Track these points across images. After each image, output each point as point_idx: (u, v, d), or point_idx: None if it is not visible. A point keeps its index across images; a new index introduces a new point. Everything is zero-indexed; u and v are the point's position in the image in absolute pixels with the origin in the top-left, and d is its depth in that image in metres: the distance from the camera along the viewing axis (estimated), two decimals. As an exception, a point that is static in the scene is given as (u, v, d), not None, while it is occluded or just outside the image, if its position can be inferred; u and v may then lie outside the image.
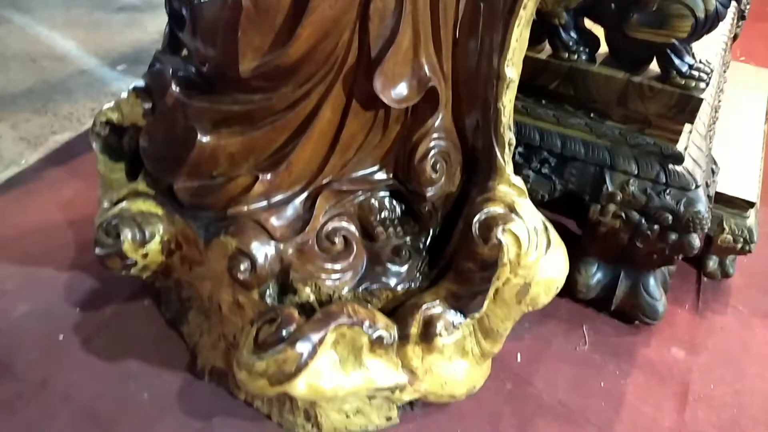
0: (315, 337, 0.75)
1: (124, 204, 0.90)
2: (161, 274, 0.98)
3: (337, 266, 0.85)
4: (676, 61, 0.91)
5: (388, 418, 0.94)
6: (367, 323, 0.80)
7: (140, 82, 0.95)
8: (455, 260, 0.87)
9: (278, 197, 0.86)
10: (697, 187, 0.96)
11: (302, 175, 0.86)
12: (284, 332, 0.75)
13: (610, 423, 0.98)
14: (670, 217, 0.97)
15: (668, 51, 0.90)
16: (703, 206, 0.96)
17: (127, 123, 0.95)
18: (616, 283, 1.11)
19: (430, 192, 0.88)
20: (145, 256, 0.90)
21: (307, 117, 0.82)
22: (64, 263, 1.16)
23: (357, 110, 0.82)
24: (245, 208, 0.84)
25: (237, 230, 0.82)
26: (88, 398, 0.95)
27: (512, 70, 0.81)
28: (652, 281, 1.10)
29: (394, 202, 0.92)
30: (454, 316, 0.84)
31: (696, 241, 0.99)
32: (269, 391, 0.75)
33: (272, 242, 0.83)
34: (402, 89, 0.80)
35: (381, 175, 0.90)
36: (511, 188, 0.87)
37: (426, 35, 0.79)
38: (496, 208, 0.84)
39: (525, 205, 0.86)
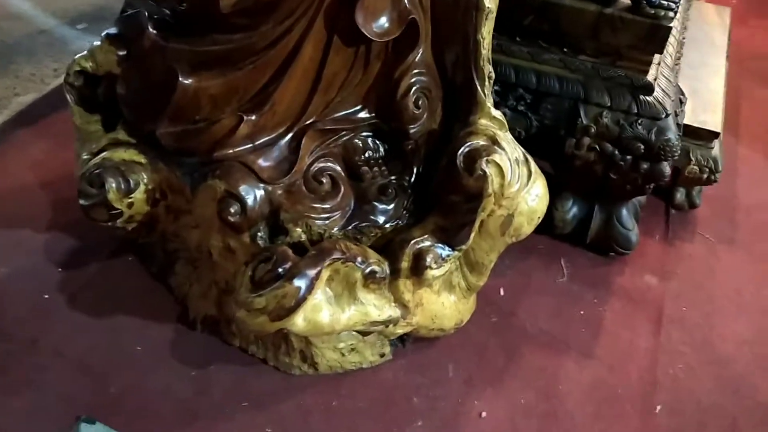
0: (311, 272, 0.76)
1: (105, 154, 0.88)
2: (146, 225, 0.98)
3: (326, 206, 0.86)
4: (648, -7, 0.93)
5: (382, 355, 0.96)
6: (359, 259, 0.82)
7: (113, 29, 0.93)
8: (440, 195, 0.89)
9: (263, 139, 0.86)
10: (667, 116, 1.00)
11: (286, 116, 0.86)
12: (280, 269, 0.76)
13: (589, 347, 1.03)
14: (642, 147, 1.01)
15: (639, -19, 0.93)
16: (673, 134, 1.00)
17: (101, 71, 0.93)
18: (590, 216, 1.15)
19: (413, 129, 0.89)
20: (131, 205, 0.89)
21: (288, 54, 0.82)
22: (41, 224, 1.14)
23: (338, 46, 0.82)
24: (231, 151, 0.84)
25: (224, 173, 0.82)
26: (79, 352, 0.95)
27: (490, 0, 0.82)
28: (624, 213, 1.14)
29: (377, 141, 0.93)
30: (442, 249, 0.87)
31: (667, 168, 1.03)
32: (269, 327, 0.76)
33: (260, 184, 0.83)
34: (383, 22, 0.80)
35: (364, 114, 0.90)
36: (491, 122, 0.88)
37: (404, -35, 0.79)
38: (479, 141, 0.86)
39: (506, 138, 0.88)
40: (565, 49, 1.03)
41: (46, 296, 1.02)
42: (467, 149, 0.85)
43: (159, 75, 0.84)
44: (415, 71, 0.87)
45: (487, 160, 0.83)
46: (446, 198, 0.87)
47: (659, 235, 1.24)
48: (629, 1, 0.96)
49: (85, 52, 0.94)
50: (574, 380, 0.97)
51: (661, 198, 1.30)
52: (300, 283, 0.75)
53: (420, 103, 0.88)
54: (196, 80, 0.82)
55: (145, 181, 0.89)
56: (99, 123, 0.97)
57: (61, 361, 0.93)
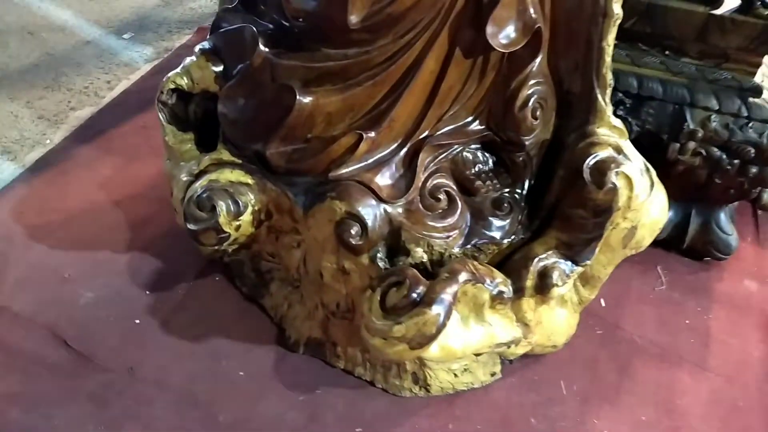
0: (448, 296, 0.73)
1: (211, 175, 0.85)
2: (241, 246, 0.94)
3: (445, 224, 0.82)
4: (764, -8, 0.89)
5: (493, 374, 0.93)
6: (488, 279, 0.78)
7: (206, 44, 0.90)
8: (560, 208, 0.86)
9: (378, 156, 0.83)
10: (780, 118, 0.96)
11: (401, 131, 0.83)
12: (414, 294, 0.73)
13: (703, 358, 1.00)
14: (753, 151, 0.97)
15: (755, -20, 0.89)
16: (785, 137, 0.96)
17: (197, 89, 0.90)
18: (687, 221, 1.11)
19: (528, 141, 0.86)
20: (238, 228, 0.85)
21: (408, 69, 0.78)
22: (119, 245, 1.10)
23: (459, 59, 0.79)
24: (347, 170, 0.81)
25: (343, 193, 0.79)
26: (182, 381, 0.91)
27: (618, 6, 0.78)
28: (723, 217, 1.11)
29: (486, 153, 0.89)
30: (566, 266, 0.83)
31: (777, 172, 0.99)
32: (407, 355, 0.73)
33: (380, 204, 0.80)
34: (510, 32, 0.76)
35: (476, 126, 0.87)
36: (611, 130, 0.85)
37: (531, -27, 0.75)
38: (605, 152, 0.82)
39: (629, 147, 0.85)
40: (666, 52, 1.00)
41: (138, 321, 0.99)
42: (594, 161, 0.81)
43: (269, 93, 0.81)
44: (533, 81, 0.83)
45: (616, 172, 0.80)
46: (569, 212, 0.84)
47: (751, 238, 1.20)
48: (738, 2, 0.93)
49: (179, 69, 0.90)
50: (692, 394, 0.94)
51: (747, 199, 1.26)
52: (438, 309, 0.72)
53: (538, 113, 0.84)
54: (314, 99, 0.78)
55: (253, 202, 0.85)
56: (192, 142, 0.94)
57: (163, 391, 0.90)
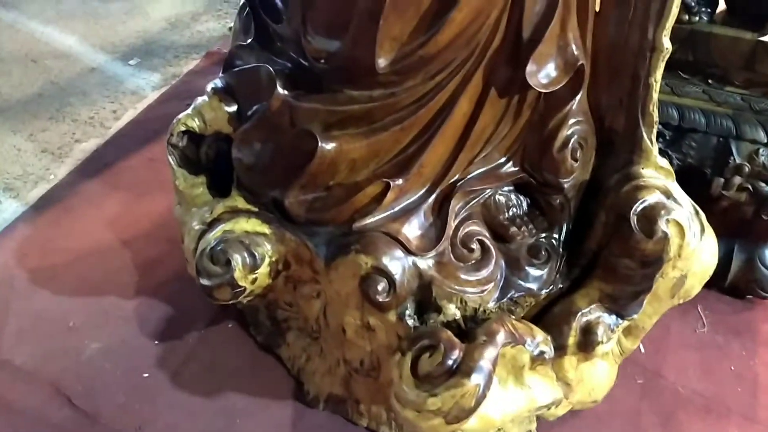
0: (487, 364, 0.66)
1: (225, 225, 0.78)
2: (256, 296, 0.88)
3: (480, 276, 0.76)
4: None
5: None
6: (528, 339, 0.72)
7: (219, 83, 0.84)
8: (603, 257, 0.79)
9: (404, 203, 0.76)
10: (833, 151, 0.90)
11: (429, 177, 0.77)
12: (450, 361, 0.67)
13: (752, 408, 0.93)
14: (805, 187, 0.91)
15: (809, 6, 0.83)
16: (840, 172, 0.90)
17: (209, 131, 0.84)
18: (729, 258, 1.04)
19: (567, 183, 0.79)
20: (254, 281, 0.79)
21: (439, 111, 0.72)
22: (128, 289, 1.04)
23: (493, 99, 0.73)
24: (372, 220, 0.74)
25: (369, 246, 0.73)
26: (195, 442, 0.85)
27: (668, 40, 0.72)
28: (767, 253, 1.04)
29: (520, 196, 0.83)
30: (611, 320, 0.77)
31: (829, 209, 0.92)
32: (444, 429, 0.66)
33: (409, 256, 0.74)
34: (550, 71, 0.70)
35: (510, 168, 0.80)
36: (658, 171, 0.78)
37: (571, 5, 0.69)
38: (653, 196, 0.75)
39: (677, 189, 0.78)
40: (709, 81, 0.93)
41: (146, 375, 0.93)
42: (642, 207, 0.74)
43: (288, 138, 0.75)
44: (573, 120, 0.76)
45: (667, 219, 0.73)
46: (614, 261, 0.77)
47: (795, 272, 1.13)
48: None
49: (190, 110, 0.85)
50: (743, 451, 0.88)
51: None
52: (478, 378, 0.65)
53: (578, 155, 0.78)
54: (337, 145, 0.72)
55: (270, 253, 0.79)
56: (203, 185, 0.88)
57: (175, 454, 0.84)
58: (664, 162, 0.79)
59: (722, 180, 0.94)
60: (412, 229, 0.75)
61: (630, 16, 0.71)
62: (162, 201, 1.20)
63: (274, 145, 0.77)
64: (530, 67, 0.67)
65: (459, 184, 0.78)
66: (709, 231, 0.80)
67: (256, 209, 0.81)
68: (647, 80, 0.74)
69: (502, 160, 0.80)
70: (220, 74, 0.85)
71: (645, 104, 0.75)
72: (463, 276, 0.75)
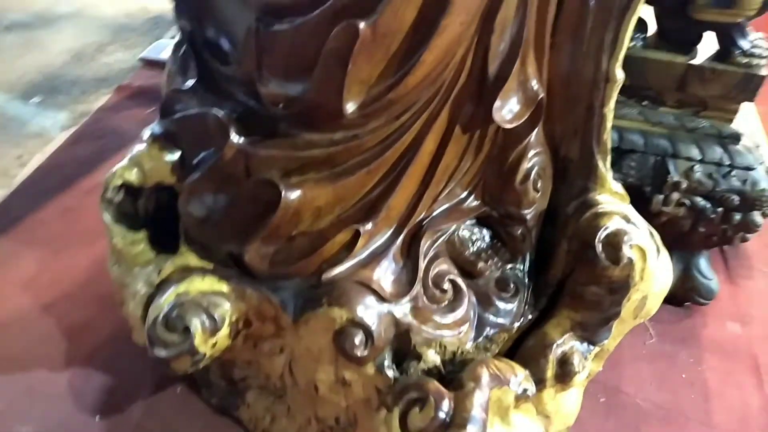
0: (480, 413, 0.64)
1: (179, 287, 0.72)
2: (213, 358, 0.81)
3: (456, 317, 0.74)
4: (739, 41, 0.88)
5: (507, 466, 0.85)
6: (511, 378, 0.70)
7: (156, 129, 0.77)
8: (569, 285, 0.79)
9: (372, 248, 0.73)
10: (760, 164, 0.95)
11: (395, 219, 0.74)
12: (443, 414, 0.64)
13: (707, 414, 0.96)
14: (737, 199, 0.96)
15: (732, 31, 0.87)
16: (766, 183, 0.95)
17: (150, 183, 0.77)
18: (668, 268, 1.08)
19: (529, 214, 0.79)
20: (214, 345, 0.73)
21: (405, 151, 0.70)
22: (56, 360, 0.94)
23: (457, 135, 0.71)
24: (342, 269, 0.71)
25: (341, 297, 0.69)
26: None
27: (620, 70, 0.73)
28: (703, 262, 1.09)
29: (482, 229, 0.82)
30: (583, 347, 0.77)
31: (759, 218, 0.98)
32: (442, 486, 0.63)
33: (384, 304, 0.70)
34: (513, 106, 0.70)
35: (471, 203, 0.79)
36: (613, 197, 0.80)
37: (530, 41, 0.69)
38: (614, 223, 0.76)
39: (633, 212, 0.80)
40: (644, 102, 0.97)
41: (89, 457, 0.84)
42: (605, 234, 0.75)
43: (245, 189, 0.70)
44: (532, 152, 0.76)
45: (630, 245, 0.74)
46: (581, 289, 0.77)
47: (723, 276, 1.20)
48: (718, 50, 0.91)
49: (126, 161, 0.77)
50: (706, 457, 0.91)
51: (729, 244, 1.26)
52: (474, 430, 0.63)
53: (539, 185, 0.78)
54: (301, 193, 0.68)
55: (230, 313, 0.73)
56: (144, 242, 0.80)
57: None
58: (618, 187, 0.80)
59: (661, 197, 0.98)
60: (384, 275, 0.72)
61: (584, 48, 0.72)
62: (83, 256, 1.10)
63: (229, 197, 0.72)
64: (496, 104, 0.67)
65: (425, 223, 0.76)
66: (663, 249, 0.82)
67: (210, 266, 0.75)
68: (601, 110, 0.75)
69: (464, 194, 0.79)
70: (158, 120, 0.79)
71: (599, 133, 0.76)
72: (438, 319, 0.73)
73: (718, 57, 0.91)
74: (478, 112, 0.70)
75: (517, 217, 0.79)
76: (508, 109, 0.69)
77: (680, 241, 1.04)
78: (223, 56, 0.71)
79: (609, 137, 0.77)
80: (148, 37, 1.87)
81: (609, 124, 0.76)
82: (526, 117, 0.71)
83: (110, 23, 1.95)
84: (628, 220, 0.77)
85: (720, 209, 0.97)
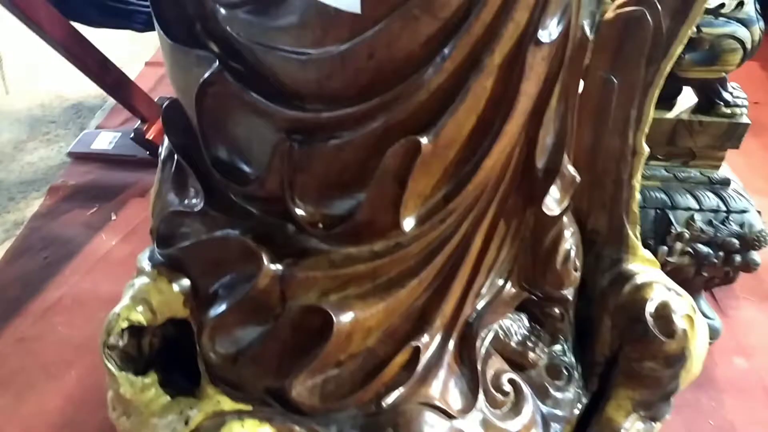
0: None
1: (218, 439, 0.63)
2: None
3: (523, 421, 0.69)
4: (723, 93, 0.91)
5: None
6: (595, 479, 0.66)
7: (157, 257, 0.69)
8: (623, 363, 0.76)
9: (425, 360, 0.67)
10: (752, 205, 0.98)
11: (443, 324, 0.69)
12: None
13: (745, 459, 0.96)
14: (737, 242, 0.97)
15: (715, 84, 0.90)
16: (761, 223, 0.98)
17: (160, 320, 0.68)
18: (672, 314, 1.09)
19: (570, 294, 0.76)
20: (266, 498, 0.64)
21: (453, 253, 0.65)
22: None
23: (501, 228, 0.68)
24: (403, 390, 0.64)
25: (409, 424, 0.62)
26: None
27: (645, 143, 0.73)
28: (703, 303, 1.10)
29: (520, 314, 0.78)
30: (649, 427, 0.74)
31: (758, 257, 1.00)
32: None
33: (452, 421, 0.64)
34: (554, 194, 0.67)
35: (510, 290, 0.75)
36: (645, 264, 0.79)
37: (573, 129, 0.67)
38: (657, 293, 0.75)
39: (668, 278, 0.79)
40: (636, 158, 0.98)
41: None
42: (654, 309, 0.73)
43: (285, 318, 0.62)
44: (567, 232, 0.74)
45: (681, 315, 0.73)
46: (637, 367, 0.75)
47: (715, 311, 1.22)
48: (701, 103, 0.94)
49: (128, 300, 0.68)
50: None
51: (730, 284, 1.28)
52: None
53: (578, 264, 0.75)
54: (353, 316, 0.61)
55: (278, 457, 0.65)
56: (155, 386, 0.70)
57: None
58: (648, 254, 0.79)
59: (665, 248, 0.98)
60: (444, 388, 0.67)
61: (610, 125, 0.71)
62: (53, 394, 0.97)
63: (263, 328, 0.64)
64: (548, 198, 0.64)
65: (472, 321, 0.71)
66: (698, 312, 0.82)
67: (248, 407, 0.66)
68: (630, 182, 0.74)
69: (501, 282, 0.75)
70: (157, 247, 0.70)
71: (628, 204, 0.75)
72: (507, 426, 0.68)
73: (701, 109, 0.94)
74: (518, 201, 0.67)
75: (557, 298, 0.76)
76: (551, 198, 0.66)
77: (684, 286, 1.05)
78: (238, 175, 0.64)
79: (637, 207, 0.76)
80: (70, 128, 1.73)
81: (637, 194, 0.75)
82: (566, 203, 0.68)
83: (24, 117, 1.79)
84: (668, 287, 0.76)
85: (721, 253, 0.99)
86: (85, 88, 1.83)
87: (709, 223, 0.97)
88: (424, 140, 0.51)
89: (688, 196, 0.97)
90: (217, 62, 0.56)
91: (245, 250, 0.63)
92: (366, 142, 0.54)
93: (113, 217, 1.31)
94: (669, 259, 0.99)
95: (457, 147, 0.54)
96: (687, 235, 0.97)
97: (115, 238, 1.26)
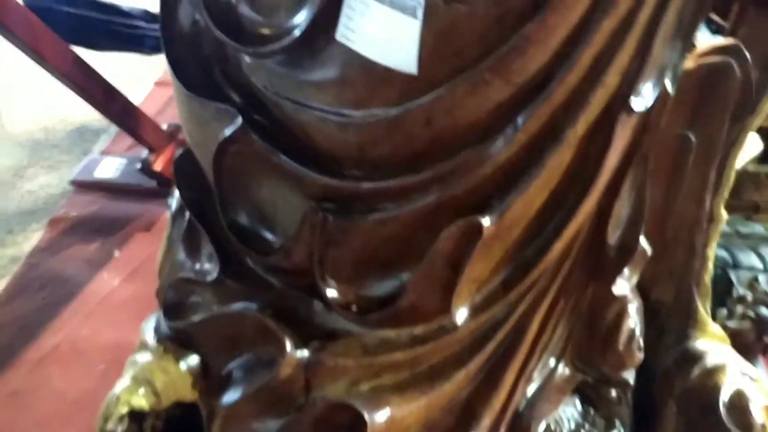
0: None
1: None
2: None
3: None
4: (795, 143, 0.82)
5: None
6: None
7: (164, 329, 0.61)
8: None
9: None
10: (821, 265, 0.89)
11: (492, 419, 0.59)
12: None
13: None
14: (804, 305, 0.88)
15: (786, 133, 0.81)
16: (830, 283, 0.89)
17: (165, 404, 0.59)
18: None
19: (631, 376, 0.67)
20: None
21: (506, 339, 0.56)
22: None
23: (560, 307, 0.58)
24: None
25: None
26: None
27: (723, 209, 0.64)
28: (761, 368, 1.01)
29: (573, 397, 0.69)
30: None
31: (825, 320, 0.91)
32: None
33: None
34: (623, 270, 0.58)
35: (563, 372, 0.66)
36: (715, 341, 0.69)
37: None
38: (732, 379, 0.65)
39: (739, 358, 0.70)
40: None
41: None
42: (729, 397, 0.64)
43: (309, 411, 0.53)
44: (631, 307, 0.65)
45: (759, 407, 0.63)
46: (707, 461, 0.66)
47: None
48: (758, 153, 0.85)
49: (129, 381, 0.59)
50: None
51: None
52: None
53: (641, 343, 0.66)
54: (390, 414, 0.52)
55: None
56: (159, 474, 0.62)
57: None
58: (717, 328, 0.70)
59: (725, 311, 0.89)
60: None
61: (684, 187, 0.62)
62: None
63: (284, 422, 0.55)
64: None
65: (522, 410, 0.61)
66: None
67: None
68: (704, 251, 0.65)
69: (553, 363, 0.66)
70: (164, 318, 0.61)
71: (700, 275, 0.66)
72: None
73: (765, 159, 0.85)
74: (580, 276, 0.58)
75: (616, 380, 0.67)
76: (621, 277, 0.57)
77: (741, 352, 0.96)
78: (259, 243, 0.56)
79: (710, 278, 0.67)
80: (74, 153, 1.65)
81: (711, 264, 0.66)
82: (635, 279, 0.59)
83: (24, 141, 1.71)
84: (743, 372, 0.67)
85: (786, 317, 0.90)
86: (89, 110, 1.76)
87: (775, 285, 0.88)
88: (486, 221, 0.43)
89: (751, 254, 0.88)
90: (240, 118, 0.48)
91: (264, 330, 0.54)
92: (414, 217, 0.45)
93: (116, 254, 1.23)
94: (728, 323, 0.90)
95: (522, 226, 0.45)
96: (750, 298, 0.88)
97: (118, 278, 1.17)
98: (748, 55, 0.54)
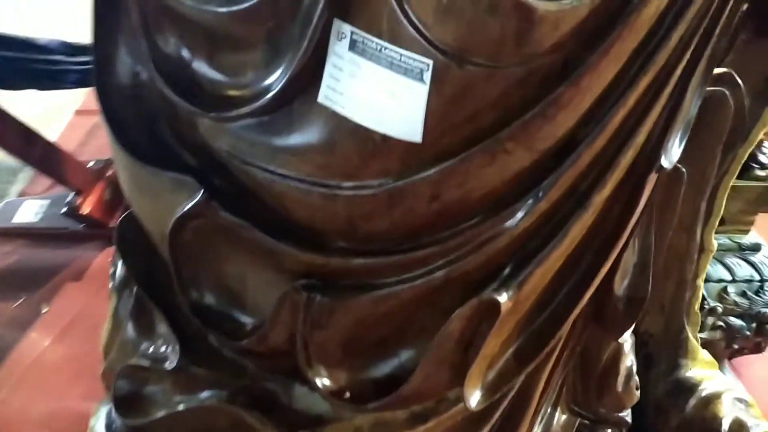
0: None
1: None
2: None
3: None
4: (758, 155, 0.82)
5: None
6: None
7: (110, 424, 0.52)
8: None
9: None
10: (786, 272, 0.89)
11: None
12: None
13: None
14: (772, 312, 0.88)
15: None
16: (796, 290, 0.89)
17: None
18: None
19: (628, 415, 0.64)
20: None
21: (512, 404, 0.51)
22: None
23: (563, 362, 0.54)
24: None
25: None
26: None
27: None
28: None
29: (567, 440, 0.65)
30: None
31: (791, 325, 0.92)
32: None
33: None
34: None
35: (560, 418, 0.62)
36: (706, 368, 0.68)
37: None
38: (728, 409, 0.64)
39: (730, 380, 0.68)
40: (661, 227, 0.87)
41: None
42: (729, 428, 0.62)
43: None
44: (626, 346, 0.62)
45: (760, 434, 0.62)
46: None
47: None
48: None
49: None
50: None
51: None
52: None
53: (638, 381, 0.63)
54: None
55: None
56: None
57: None
58: (707, 355, 0.69)
59: (697, 324, 0.88)
60: None
61: (675, 220, 0.59)
62: None
63: None
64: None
65: (525, 471, 0.57)
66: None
67: None
68: (694, 282, 0.63)
69: (550, 410, 0.62)
70: (115, 412, 0.53)
71: (690, 305, 0.64)
72: None
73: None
74: (580, 324, 0.54)
75: (614, 421, 0.64)
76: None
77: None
78: (227, 325, 0.48)
79: (699, 307, 0.65)
80: (-14, 196, 1.49)
81: (701, 294, 0.64)
82: (636, 321, 0.55)
83: (-72, 183, 1.54)
84: (738, 398, 0.65)
85: (754, 324, 0.90)
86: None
87: (743, 294, 0.87)
88: (502, 298, 0.37)
89: (719, 266, 0.88)
90: (202, 191, 0.40)
91: (240, 423, 0.47)
92: (415, 294, 0.40)
93: (44, 310, 1.10)
94: (700, 335, 0.89)
95: (536, 295, 0.40)
96: (720, 309, 0.87)
97: (48, 337, 1.05)
98: (742, 85, 0.51)
